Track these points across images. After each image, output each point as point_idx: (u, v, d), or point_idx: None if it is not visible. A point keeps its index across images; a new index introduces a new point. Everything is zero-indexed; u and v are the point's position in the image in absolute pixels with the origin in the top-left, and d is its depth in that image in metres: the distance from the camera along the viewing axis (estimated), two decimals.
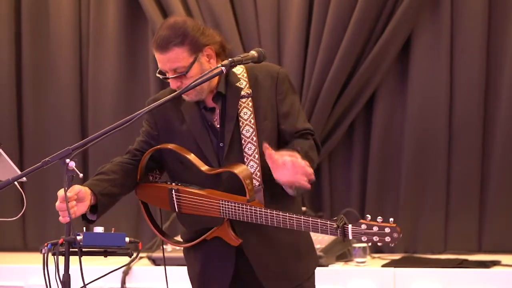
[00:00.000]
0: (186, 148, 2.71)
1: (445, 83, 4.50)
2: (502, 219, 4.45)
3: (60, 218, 2.50)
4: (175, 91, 2.65)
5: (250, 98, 2.70)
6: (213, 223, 2.67)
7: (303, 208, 4.42)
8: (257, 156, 2.67)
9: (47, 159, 2.39)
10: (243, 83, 2.73)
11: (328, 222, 2.48)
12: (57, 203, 2.51)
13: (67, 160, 2.37)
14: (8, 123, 5.23)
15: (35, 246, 5.14)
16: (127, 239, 2.46)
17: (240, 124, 2.68)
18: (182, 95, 2.66)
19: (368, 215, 2.46)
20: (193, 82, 2.57)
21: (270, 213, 2.55)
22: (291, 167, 2.50)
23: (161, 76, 2.69)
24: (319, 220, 2.49)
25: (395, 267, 4.02)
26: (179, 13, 4.80)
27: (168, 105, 2.73)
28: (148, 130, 2.82)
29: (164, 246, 4.07)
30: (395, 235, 2.43)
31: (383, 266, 4.08)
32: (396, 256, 4.38)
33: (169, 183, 2.75)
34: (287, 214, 2.53)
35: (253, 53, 2.65)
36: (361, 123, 4.71)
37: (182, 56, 2.62)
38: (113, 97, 5.10)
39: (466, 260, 4.15)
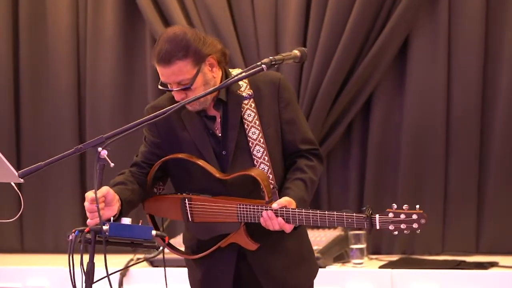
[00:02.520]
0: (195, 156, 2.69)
1: (443, 83, 4.50)
2: (500, 220, 4.45)
3: (88, 221, 2.47)
4: (173, 96, 2.64)
5: (252, 99, 2.69)
6: (228, 229, 2.65)
7: None
8: (266, 158, 2.65)
9: (79, 146, 2.36)
10: (243, 85, 2.70)
11: (355, 215, 2.47)
12: (86, 204, 2.48)
13: (99, 149, 2.34)
14: (6, 125, 5.22)
15: (33, 247, 5.14)
16: (153, 232, 2.44)
17: (245, 126, 2.67)
18: (186, 105, 2.62)
19: (394, 204, 2.46)
20: (233, 77, 2.56)
21: (292, 211, 2.53)
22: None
23: (163, 88, 2.65)
24: (344, 214, 2.48)
25: (392, 268, 4.02)
26: (177, 15, 4.81)
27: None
28: (151, 139, 2.79)
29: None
30: (423, 221, 2.44)
31: (381, 267, 4.09)
32: (394, 257, 4.38)
33: (179, 194, 2.73)
34: (310, 211, 2.52)
35: (295, 52, 2.60)
36: (359, 123, 4.71)
37: (186, 69, 2.58)
38: (111, 99, 5.09)
39: (463, 262, 4.15)
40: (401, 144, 4.59)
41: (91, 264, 2.32)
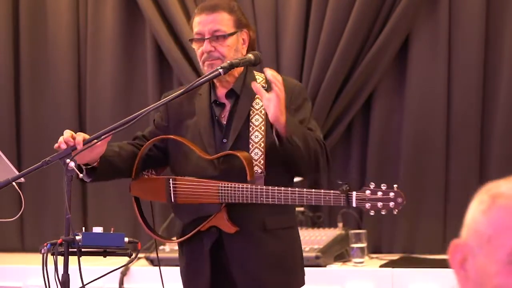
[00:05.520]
0: (187, 139, 2.73)
1: (443, 83, 4.50)
2: None
3: (60, 141, 2.54)
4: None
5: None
6: (210, 210, 2.65)
7: (301, 208, 4.43)
8: (262, 144, 2.66)
9: (47, 159, 2.41)
10: (259, 79, 2.76)
11: (332, 192, 2.46)
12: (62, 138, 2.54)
13: (67, 160, 2.38)
14: (6, 124, 5.23)
15: (33, 246, 5.13)
16: (126, 239, 2.46)
17: (250, 129, 2.68)
18: (205, 64, 2.71)
19: (372, 183, 2.44)
20: (195, 82, 2.61)
21: (271, 190, 2.53)
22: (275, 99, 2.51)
23: (195, 39, 2.74)
24: (322, 191, 2.48)
25: (393, 267, 4.02)
26: (178, 14, 4.81)
27: (184, 99, 2.76)
28: (159, 122, 2.86)
29: (162, 247, 4.09)
30: (399, 199, 2.41)
31: (381, 266, 4.09)
32: (394, 257, 4.38)
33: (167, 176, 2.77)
34: (289, 189, 2.52)
35: (249, 56, 2.71)
36: (359, 123, 4.72)
37: (227, 22, 2.73)
38: (111, 98, 5.09)
39: None
40: (402, 144, 4.59)
41: (66, 275, 2.35)
